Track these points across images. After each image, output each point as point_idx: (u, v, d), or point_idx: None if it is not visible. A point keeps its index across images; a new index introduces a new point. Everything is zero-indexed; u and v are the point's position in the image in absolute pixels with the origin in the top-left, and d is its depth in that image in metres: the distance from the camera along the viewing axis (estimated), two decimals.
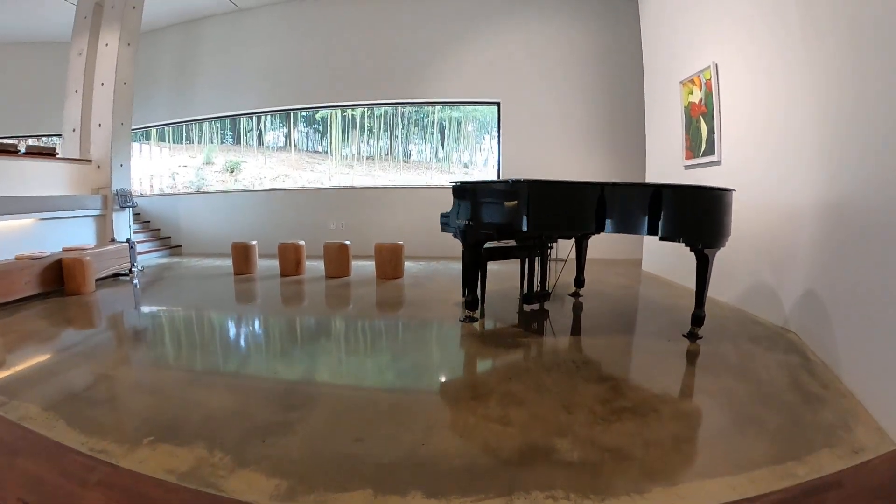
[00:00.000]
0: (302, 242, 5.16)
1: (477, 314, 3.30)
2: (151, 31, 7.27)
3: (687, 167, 4.43)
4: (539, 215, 2.84)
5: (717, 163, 3.95)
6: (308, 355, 2.77)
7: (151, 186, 8.20)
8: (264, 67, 6.96)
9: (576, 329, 3.19)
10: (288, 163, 7.98)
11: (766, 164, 3.31)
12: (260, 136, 7.92)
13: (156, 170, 8.22)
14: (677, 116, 4.54)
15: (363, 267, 5.42)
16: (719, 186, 2.76)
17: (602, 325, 3.29)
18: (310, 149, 8.05)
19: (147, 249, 6.61)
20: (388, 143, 7.62)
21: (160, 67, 7.39)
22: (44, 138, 8.09)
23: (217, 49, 7.14)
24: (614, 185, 2.89)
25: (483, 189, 3.12)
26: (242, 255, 5.20)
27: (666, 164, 4.93)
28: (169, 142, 8.22)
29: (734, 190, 2.83)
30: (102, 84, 5.54)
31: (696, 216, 2.71)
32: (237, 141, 7.99)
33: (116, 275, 5.33)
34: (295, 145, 7.99)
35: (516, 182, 2.87)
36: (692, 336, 2.92)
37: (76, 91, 5.64)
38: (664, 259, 4.91)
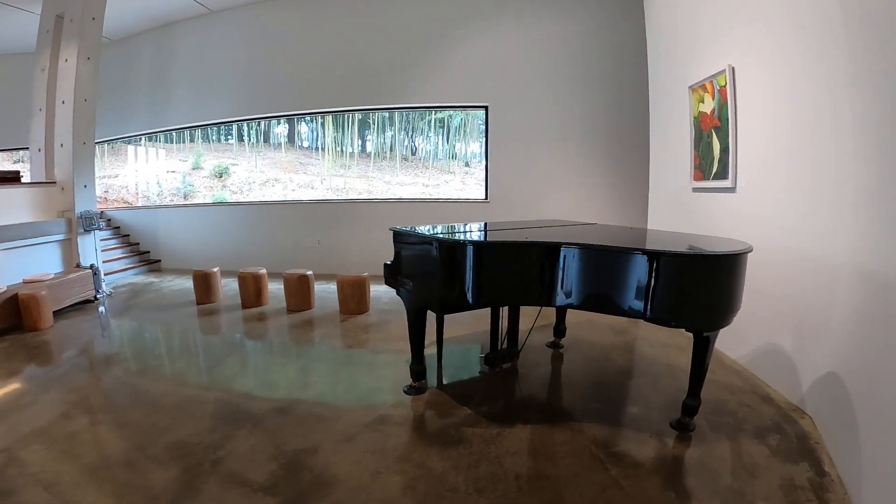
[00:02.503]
0: (263, 270, 4.77)
1: (424, 383, 2.81)
2: (126, 37, 6.96)
3: (695, 189, 3.74)
4: (490, 286, 2.32)
5: (731, 190, 3.26)
6: (196, 451, 2.23)
7: (147, 194, 7.96)
8: (239, 73, 6.53)
9: (539, 410, 2.64)
10: (280, 165, 7.62)
11: (792, 200, 2.61)
12: (256, 135, 7.59)
13: (150, 175, 7.98)
14: (685, 128, 3.82)
15: (334, 295, 4.97)
16: (730, 250, 2.11)
17: (574, 402, 2.73)
18: (308, 146, 7.67)
19: (124, 267, 6.41)
20: (386, 141, 7.18)
21: (137, 75, 7.07)
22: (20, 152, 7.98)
23: (191, 55, 6.75)
24: (588, 247, 2.25)
25: (419, 244, 2.58)
26: (202, 284, 4.87)
27: (671, 184, 4.23)
28: (165, 142, 7.95)
29: (750, 250, 2.17)
30: (63, 102, 5.22)
31: (697, 292, 2.08)
32: (239, 139, 7.64)
33: (86, 301, 5.12)
34: (288, 145, 7.63)
35: (456, 244, 2.33)
36: (681, 427, 2.34)
37: (40, 109, 5.37)
38: None
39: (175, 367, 3.37)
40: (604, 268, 2.19)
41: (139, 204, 7.74)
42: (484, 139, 5.95)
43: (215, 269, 4.98)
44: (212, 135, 7.59)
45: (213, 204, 7.22)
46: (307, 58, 6.25)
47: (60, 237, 5.24)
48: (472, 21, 5.70)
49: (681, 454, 2.18)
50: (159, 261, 7.03)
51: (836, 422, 2.15)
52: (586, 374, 3.08)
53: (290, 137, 7.73)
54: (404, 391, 2.77)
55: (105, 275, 6.04)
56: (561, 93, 5.48)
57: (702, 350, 2.22)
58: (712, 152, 3.46)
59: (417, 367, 2.76)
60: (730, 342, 3.26)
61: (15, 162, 8.40)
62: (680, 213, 4.08)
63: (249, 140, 7.67)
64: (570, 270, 2.26)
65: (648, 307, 2.08)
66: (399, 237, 2.77)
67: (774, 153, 2.76)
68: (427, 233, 2.64)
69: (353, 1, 6.05)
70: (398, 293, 2.80)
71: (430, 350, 3.39)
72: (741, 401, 2.65)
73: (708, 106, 3.49)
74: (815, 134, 2.39)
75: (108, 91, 7.14)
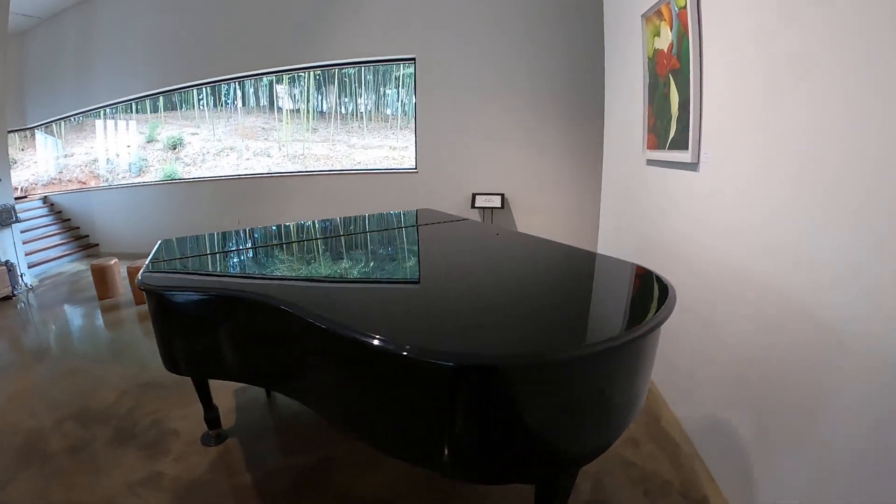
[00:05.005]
0: (113, 261, 4.46)
1: (221, 432, 2.25)
2: (54, 14, 6.42)
3: (649, 162, 2.64)
4: (180, 349, 1.69)
5: (692, 166, 2.17)
6: None
7: (98, 172, 7.55)
8: (158, 40, 5.81)
9: (337, 493, 1.84)
10: (240, 131, 6.96)
11: (780, 196, 1.47)
12: (218, 99, 6.92)
13: (103, 151, 7.51)
14: (638, 75, 2.68)
15: None
16: (580, 350, 1.09)
17: (394, 482, 1.88)
18: (280, 107, 6.94)
19: (60, 254, 6.04)
20: (353, 100, 6.31)
21: (71, 52, 6.50)
22: None
23: (114, 27, 6.08)
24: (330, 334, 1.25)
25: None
26: (100, 279, 4.39)
27: (623, 152, 3.11)
28: (125, 113, 7.43)
29: (646, 328, 1.13)
30: None
31: (515, 426, 1.06)
32: (200, 104, 7.05)
33: (6, 297, 4.79)
34: (255, 108, 6.93)
35: (146, 285, 1.62)
36: None
37: None
38: None
39: (23, 385, 2.93)
40: (321, 352, 1.29)
41: (92, 184, 7.37)
42: (413, 98, 4.94)
43: (112, 262, 4.46)
44: (179, 102, 6.99)
45: (143, 184, 6.72)
46: (214, 20, 5.46)
47: None
48: None
49: None
50: (97, 245, 6.66)
51: None
52: None
53: (257, 100, 7.03)
54: (201, 440, 2.22)
55: (39, 264, 5.73)
56: (503, 37, 4.34)
57: (549, 495, 1.28)
58: (669, 108, 2.35)
59: (207, 416, 2.21)
60: (675, 392, 2.27)
61: None
62: (631, 195, 2.99)
63: (216, 104, 7.01)
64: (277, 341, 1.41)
65: (395, 443, 1.17)
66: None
67: (756, 114, 1.63)
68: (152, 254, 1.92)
69: None
70: None
71: None
72: None
73: (665, 40, 2.34)
74: (825, 93, 1.27)
75: (45, 70, 6.73)
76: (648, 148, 2.62)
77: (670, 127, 2.35)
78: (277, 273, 1.89)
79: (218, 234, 2.66)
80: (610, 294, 1.53)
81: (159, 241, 2.41)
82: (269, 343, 1.47)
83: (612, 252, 3.45)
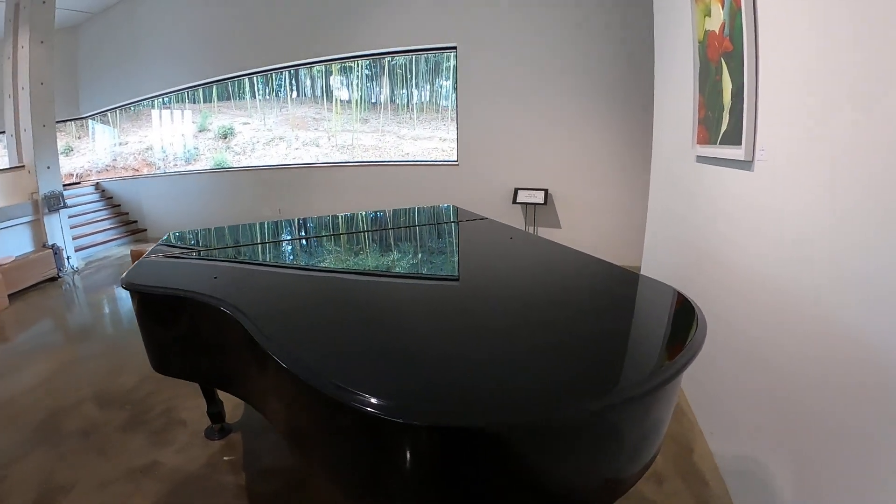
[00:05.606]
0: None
1: (225, 426, 2.26)
2: (105, 9, 6.73)
3: (699, 159, 2.36)
4: (161, 352, 1.70)
5: (746, 165, 1.89)
6: None
7: (151, 161, 7.88)
8: (207, 31, 5.99)
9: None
10: (290, 121, 7.06)
11: (854, 208, 1.15)
12: (275, 88, 7.06)
13: (157, 140, 7.83)
14: (688, 61, 2.40)
15: None
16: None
17: None
18: (323, 98, 7.00)
19: (108, 238, 6.35)
20: (406, 91, 6.28)
21: (113, 48, 6.80)
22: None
23: (164, 18, 6.30)
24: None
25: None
26: None
27: (672, 149, 2.83)
28: (178, 102, 7.70)
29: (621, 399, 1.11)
30: (23, 88, 5.17)
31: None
32: (253, 95, 7.25)
33: (52, 279, 5.08)
34: (309, 98, 7.02)
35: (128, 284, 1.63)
36: None
37: (9, 96, 5.35)
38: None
39: (56, 364, 3.07)
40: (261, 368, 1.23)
41: (145, 171, 7.72)
42: (454, 86, 4.79)
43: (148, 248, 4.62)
44: (234, 91, 7.16)
45: (190, 172, 6.98)
46: (255, 14, 5.53)
47: (29, 219, 5.20)
48: None
49: None
50: (145, 230, 6.97)
51: None
52: None
53: (312, 90, 7.10)
54: (205, 434, 2.24)
55: (88, 247, 6.05)
56: (548, 25, 4.09)
57: None
58: (721, 98, 2.07)
59: (210, 410, 2.21)
60: (712, 420, 2.02)
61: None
62: (678, 195, 2.71)
63: (269, 94, 7.12)
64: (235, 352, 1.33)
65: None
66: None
67: (824, 105, 1.31)
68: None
69: None
70: None
71: None
72: None
73: (716, 20, 2.07)
74: None
75: (97, 62, 7.08)
76: (698, 143, 2.34)
77: (722, 119, 2.08)
78: (258, 275, 1.86)
79: (214, 228, 2.78)
80: (609, 326, 1.26)
81: (167, 234, 2.42)
82: (218, 347, 1.43)
83: (655, 257, 3.17)
